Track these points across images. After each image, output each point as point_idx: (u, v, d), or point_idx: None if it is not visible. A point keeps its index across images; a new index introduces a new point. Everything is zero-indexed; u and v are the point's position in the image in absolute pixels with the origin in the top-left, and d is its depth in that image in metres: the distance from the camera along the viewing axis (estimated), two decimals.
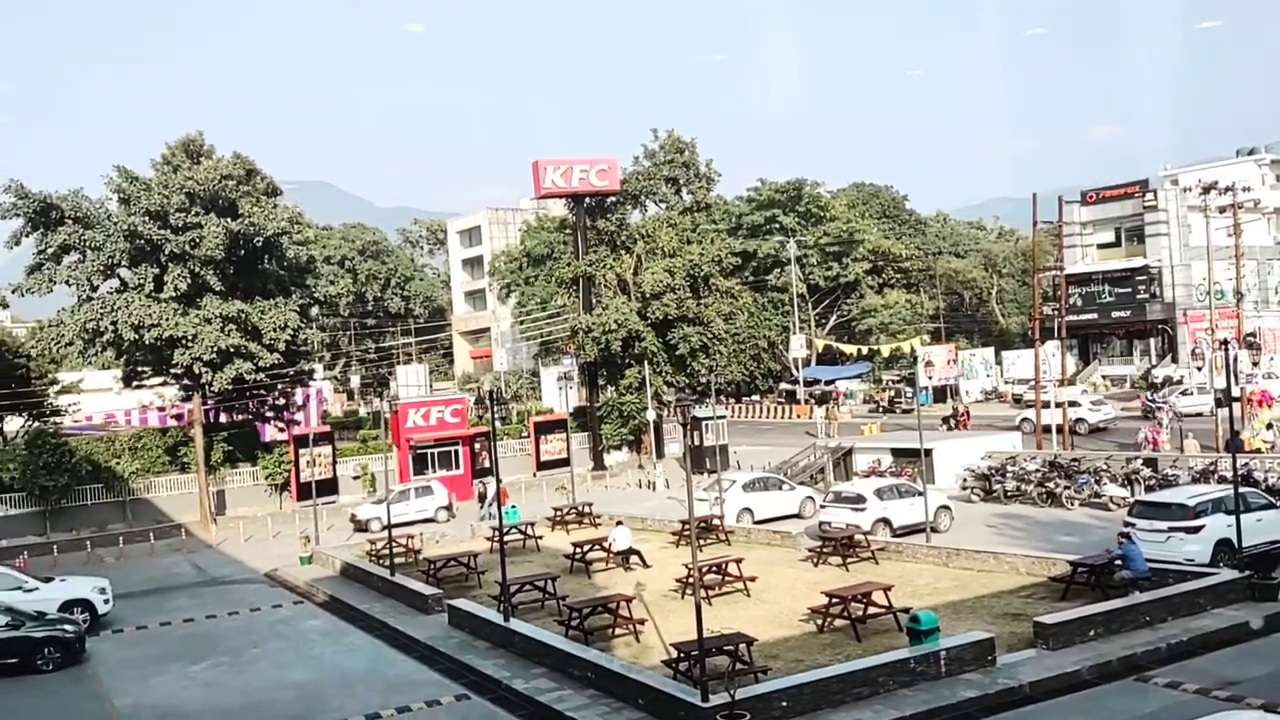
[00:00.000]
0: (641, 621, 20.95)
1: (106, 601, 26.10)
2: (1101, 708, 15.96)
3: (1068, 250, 67.56)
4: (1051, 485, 32.68)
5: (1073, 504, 31.81)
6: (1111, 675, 16.98)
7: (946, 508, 30.40)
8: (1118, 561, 20.70)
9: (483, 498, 38.92)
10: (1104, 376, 69.36)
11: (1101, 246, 72.78)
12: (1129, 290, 69.30)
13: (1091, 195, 72.64)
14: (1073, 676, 16.84)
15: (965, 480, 35.04)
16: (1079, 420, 47.90)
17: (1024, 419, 48.01)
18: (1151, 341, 70.21)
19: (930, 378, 66.60)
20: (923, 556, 25.71)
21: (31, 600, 24.04)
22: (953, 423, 53.11)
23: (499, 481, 36.61)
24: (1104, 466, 33.24)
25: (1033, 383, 48.83)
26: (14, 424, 50.41)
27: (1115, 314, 70.22)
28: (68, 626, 22.83)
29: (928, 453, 32.88)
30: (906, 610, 19.29)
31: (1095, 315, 70.88)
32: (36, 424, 47.55)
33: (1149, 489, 30.27)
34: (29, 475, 40.55)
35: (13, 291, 42.24)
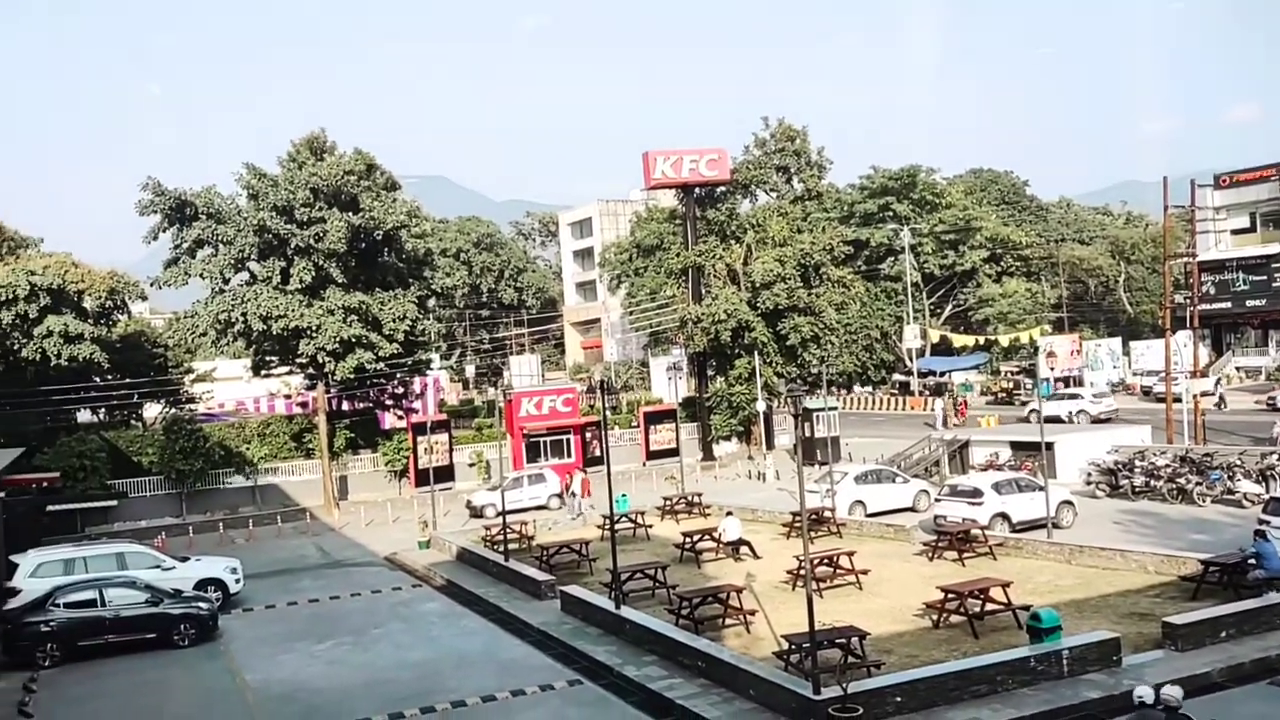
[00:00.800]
0: (752, 612, 20.93)
1: (238, 581, 27.30)
2: (1232, 712, 15.28)
3: (1200, 236, 64.42)
4: (1182, 481, 31.36)
5: (1204, 500, 30.48)
6: (1243, 678, 16.27)
7: (1069, 503, 29.45)
8: (1251, 560, 19.80)
9: (570, 490, 38.49)
10: (1238, 368, 66.14)
11: (1236, 232, 69.21)
12: (1265, 278, 65.80)
13: (1226, 179, 69.17)
14: (1202, 679, 16.17)
15: (1090, 475, 33.90)
16: (1080, 412, 46.35)
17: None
18: None
19: (1052, 369, 64.58)
20: (1044, 553, 24.97)
21: (169, 578, 25.23)
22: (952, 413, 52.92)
23: (583, 473, 37.05)
24: (1238, 462, 31.75)
25: (1162, 374, 46.86)
26: (153, 411, 53.12)
27: (1250, 303, 66.79)
28: (202, 604, 23.93)
29: (1049, 446, 31.88)
30: (1026, 608, 18.79)
31: (1229, 304, 67.55)
32: (173, 411, 50.04)
33: None
34: (166, 459, 42.71)
35: (151, 284, 44.39)
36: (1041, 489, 27.70)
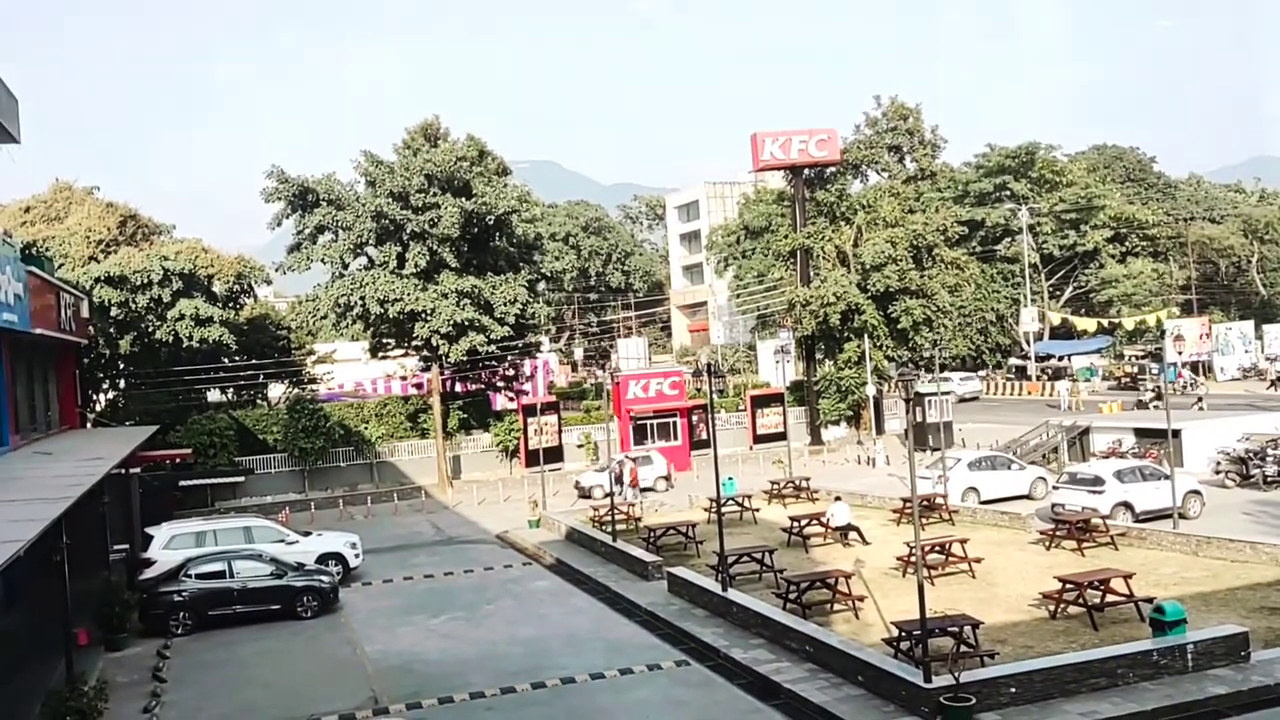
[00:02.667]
0: (861, 598, 20.73)
1: (357, 556, 28.24)
2: None
3: None
4: None
5: None
6: None
7: (1196, 492, 28.30)
8: None
9: (619, 479, 36.60)
10: None
11: None
12: None
13: None
14: None
15: (1219, 464, 32.52)
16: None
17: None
18: None
19: (1180, 353, 62.00)
20: (1168, 544, 24.07)
21: (292, 552, 26.23)
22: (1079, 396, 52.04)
23: (632, 461, 36.36)
24: None
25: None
26: (277, 391, 55.22)
27: None
28: (323, 577, 24.84)
29: (1175, 433, 30.63)
30: (1149, 600, 18.18)
31: None
32: (296, 391, 51.93)
33: None
34: (290, 437, 44.39)
35: (276, 269, 46.03)
36: (1167, 478, 26.69)
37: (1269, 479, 30.82)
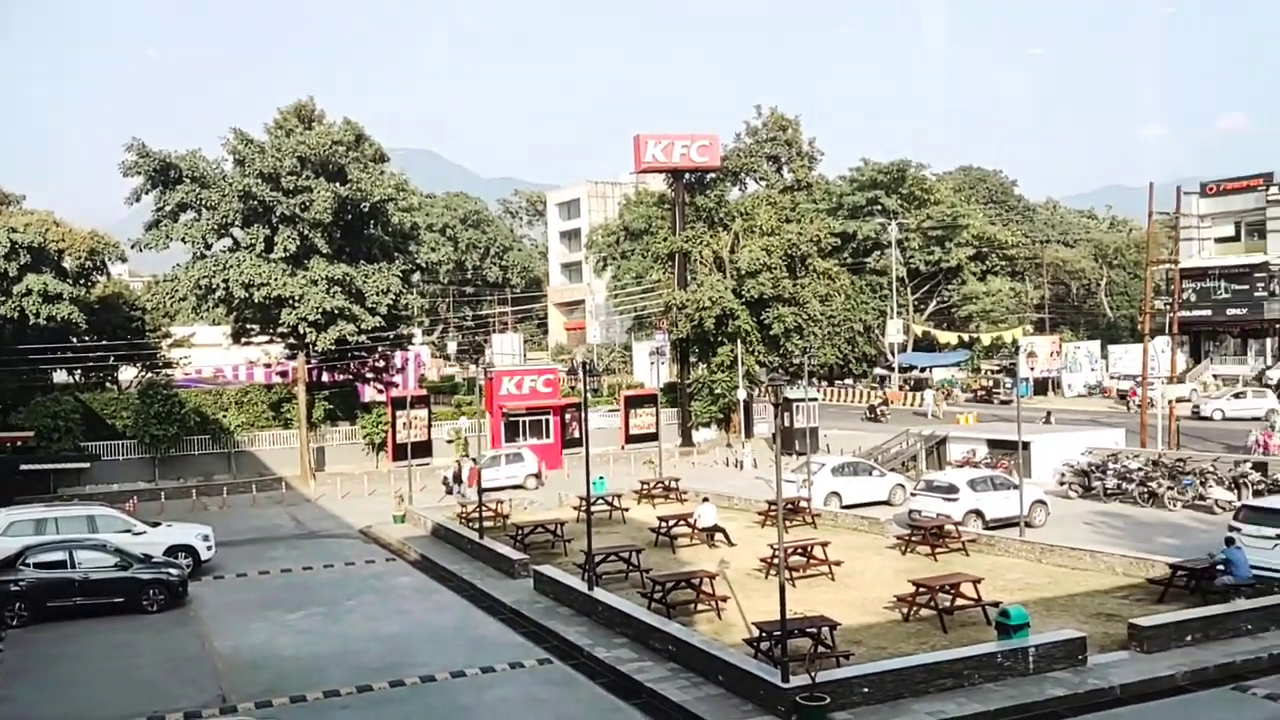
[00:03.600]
0: (724, 599, 21.02)
1: (209, 548, 27.17)
2: (1194, 715, 15.50)
3: (1184, 243, 64.92)
4: (1154, 485, 31.66)
5: (1175, 505, 30.78)
6: (1207, 683, 16.46)
7: (1043, 502, 29.70)
8: (1220, 566, 20.02)
9: (457, 478, 37.09)
10: (1215, 375, 66.71)
11: (1220, 241, 69.69)
12: (1246, 287, 66.29)
13: (1212, 187, 69.58)
14: (1166, 681, 16.37)
15: (1064, 475, 34.18)
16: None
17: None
18: (1268, 342, 67.17)
19: (1032, 369, 65.02)
20: (1015, 551, 25.17)
21: (139, 543, 25.10)
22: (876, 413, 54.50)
23: (472, 461, 35.64)
24: (1210, 468, 32.08)
25: (1139, 379, 47.24)
26: (128, 374, 52.73)
27: (1230, 311, 67.31)
28: (172, 570, 23.83)
29: (1025, 445, 32.08)
30: (996, 604, 18.94)
31: (1209, 312, 68.09)
32: (149, 375, 49.69)
33: (1258, 493, 29.15)
34: (141, 424, 42.39)
35: (132, 246, 43.96)
36: (1016, 487, 27.91)
37: (1109, 491, 32.55)
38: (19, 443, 36.93)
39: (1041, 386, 66.31)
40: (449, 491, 37.15)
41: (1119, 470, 33.24)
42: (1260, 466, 31.73)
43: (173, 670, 18.84)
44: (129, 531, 25.81)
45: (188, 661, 19.35)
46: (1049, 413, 52.38)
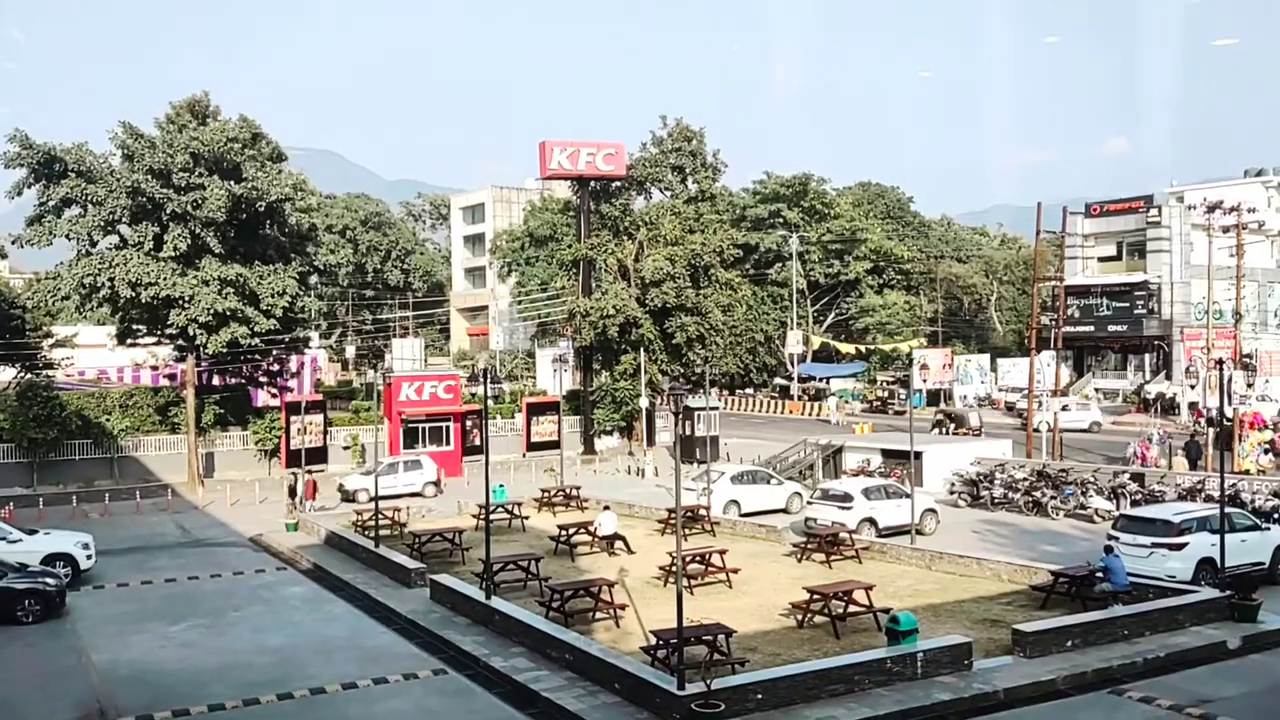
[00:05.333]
0: (623, 607, 21.00)
1: (89, 557, 26.11)
2: (1074, 718, 16.04)
3: (1069, 261, 67.59)
4: (1038, 495, 32.75)
5: (1058, 514, 31.89)
6: (1086, 686, 17.06)
7: (933, 511, 30.48)
8: (1099, 574, 20.77)
9: (292, 491, 35.61)
10: (1097, 389, 69.47)
11: (1103, 260, 72.78)
12: (1127, 305, 69.30)
13: (1096, 208, 72.59)
14: (1047, 685, 16.92)
15: (953, 485, 35.11)
16: None
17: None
18: (1146, 357, 70.25)
19: (925, 380, 66.76)
20: (906, 558, 25.77)
21: (14, 552, 24.05)
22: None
23: (309, 474, 35.53)
24: (1091, 479, 33.28)
25: (1026, 391, 48.90)
26: (6, 375, 50.33)
27: (1112, 328, 70.24)
28: (49, 580, 22.80)
29: (917, 455, 32.93)
30: (886, 610, 19.35)
31: (1092, 328, 70.94)
32: (29, 376, 47.47)
33: (1135, 503, 30.34)
34: (18, 426, 40.51)
35: (12, 242, 42.04)
36: (908, 496, 28.59)
37: (996, 500, 33.57)
38: None
39: (934, 398, 68.11)
40: (291, 509, 34.89)
41: (1005, 480, 34.28)
42: (1138, 477, 33.08)
43: (47, 685, 18.01)
44: (3, 539, 24.76)
45: (63, 675, 18.53)
46: (939, 422, 53.80)
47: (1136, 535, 23.33)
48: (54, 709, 16.62)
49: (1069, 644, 18.31)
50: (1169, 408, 58.80)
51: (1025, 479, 34.06)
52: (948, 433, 53.20)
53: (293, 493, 35.37)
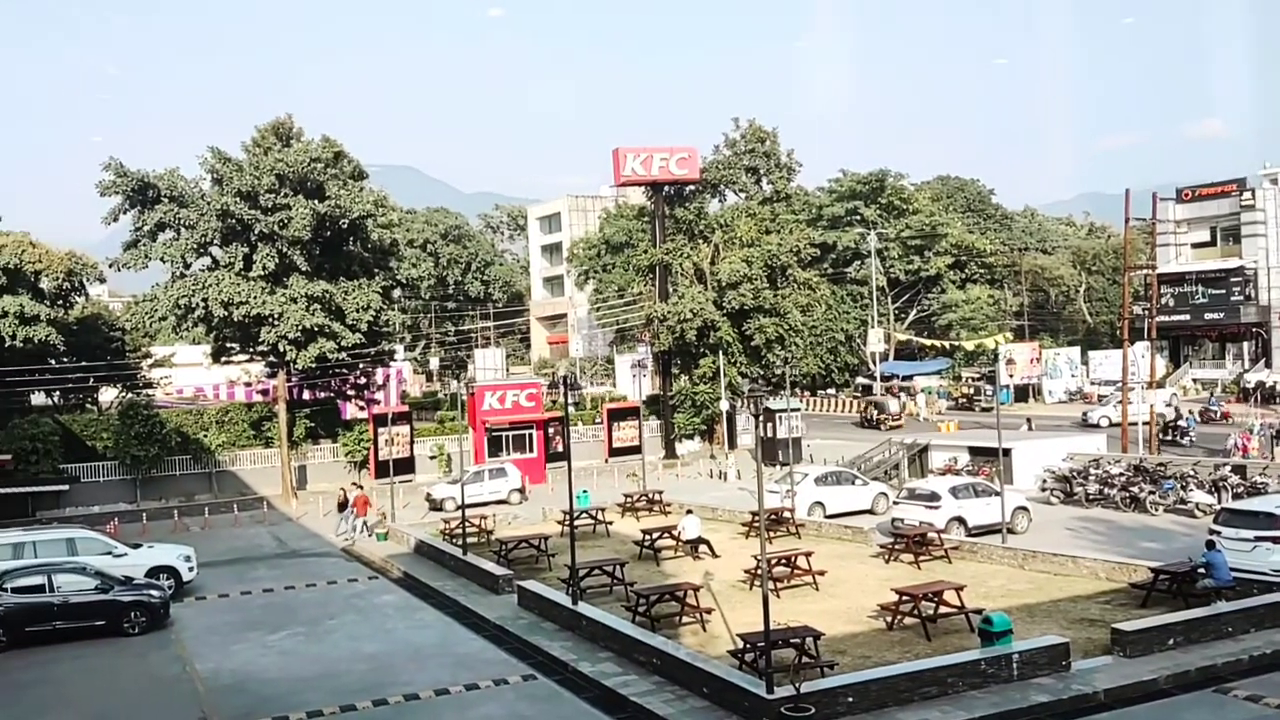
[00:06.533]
0: (708, 611, 20.98)
1: (191, 569, 26.96)
2: (1177, 718, 15.55)
3: (1161, 249, 65.50)
4: (1135, 490, 31.83)
5: (1157, 510, 30.95)
6: (1189, 685, 16.54)
7: (1024, 509, 29.81)
8: (1201, 570, 20.13)
9: (341, 505, 35.03)
10: (1194, 380, 67.24)
11: (1196, 246, 70.45)
12: (1223, 292, 67.00)
13: (1187, 193, 70.31)
14: (1149, 685, 16.44)
15: (1045, 482, 34.32)
16: None
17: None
18: (1245, 345, 67.81)
19: (1011, 376, 65.35)
20: (998, 557, 25.25)
21: (120, 565, 24.87)
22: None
23: (359, 488, 35.17)
24: (1191, 472, 32.29)
25: (1119, 384, 47.56)
26: (109, 395, 52.34)
27: (1208, 316, 67.96)
28: (154, 592, 23.60)
29: (1006, 452, 32.23)
30: (979, 611, 18.99)
31: (1187, 316, 68.71)
32: (130, 395, 49.32)
33: (1237, 496, 29.34)
34: (121, 444, 42.08)
35: (110, 266, 43.69)
36: (997, 494, 28.01)
37: (1090, 496, 32.71)
38: None
39: (1022, 393, 66.60)
40: (339, 528, 34.40)
41: (1100, 476, 33.40)
42: (1239, 470, 31.97)
43: (153, 694, 18.67)
44: (109, 553, 25.55)
45: (169, 684, 19.17)
46: (1029, 419, 52.62)
47: (1239, 529, 22.54)
48: (164, 717, 17.20)
49: (1171, 642, 17.75)
50: (1269, 397, 56.64)
51: (1121, 474, 33.14)
52: (874, 424, 55.68)
53: (342, 507, 34.98)
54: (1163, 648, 17.63)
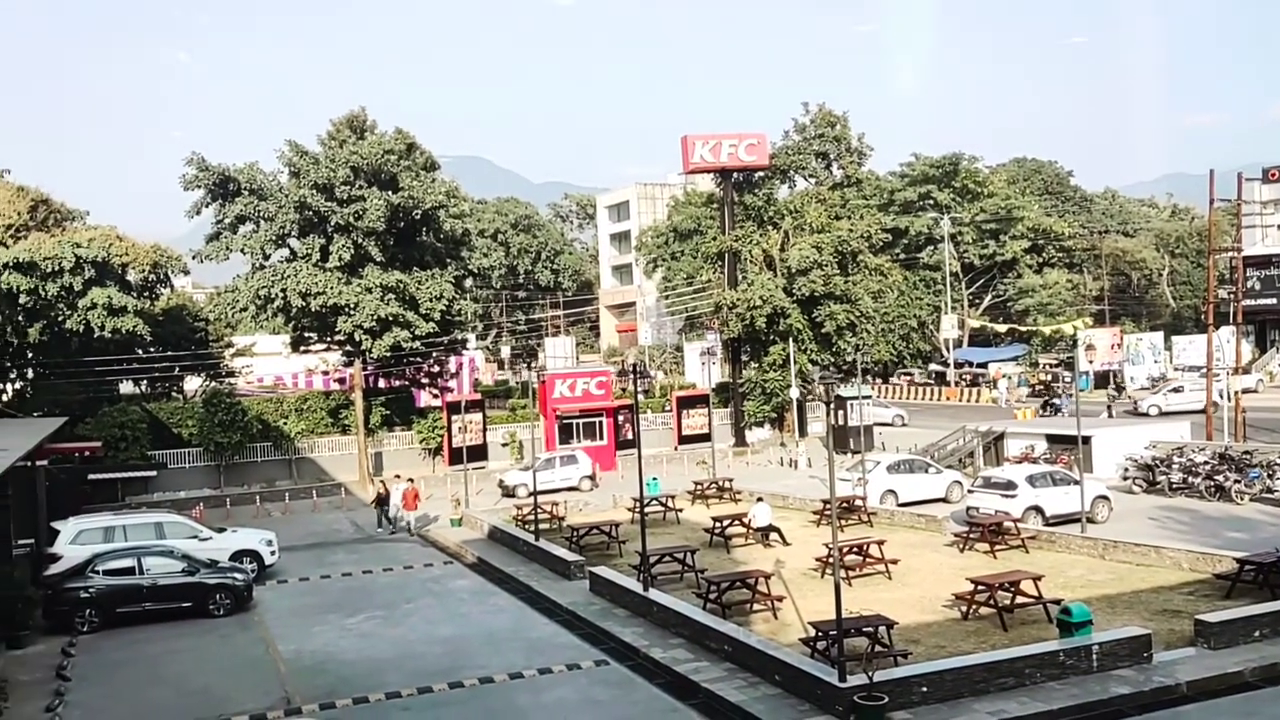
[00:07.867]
0: (780, 598, 20.95)
1: (273, 553, 27.71)
2: (1263, 712, 15.14)
3: (1246, 231, 63.07)
4: (1220, 478, 30.95)
5: (1242, 499, 30.07)
6: (1276, 679, 16.09)
7: (1105, 498, 29.15)
8: None
9: (380, 500, 34.11)
10: None
11: None
12: None
13: (1274, 172, 67.76)
14: (1234, 678, 16.03)
15: (1126, 470, 33.54)
16: None
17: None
18: None
19: (1091, 362, 63.83)
20: (1077, 547, 24.77)
21: (205, 549, 25.64)
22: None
23: (410, 481, 34.33)
24: (1278, 460, 31.26)
25: (1204, 370, 46.18)
26: (193, 384, 53.86)
27: None
28: (237, 575, 24.33)
29: (1086, 440, 31.54)
30: (1057, 602, 18.67)
31: (1275, 300, 66.38)
32: (213, 384, 50.71)
33: None
34: (206, 432, 43.34)
35: (193, 258, 44.91)
36: (1076, 483, 27.46)
37: (1174, 485, 31.88)
38: (87, 453, 37.84)
39: (1103, 380, 65.05)
40: (380, 523, 33.81)
41: (1184, 464, 32.55)
42: None
43: (238, 673, 19.24)
44: (195, 537, 26.31)
45: (252, 665, 19.75)
46: (1109, 406, 51.40)
47: None
48: (246, 697, 17.71)
49: (1257, 634, 17.28)
50: None
51: (1206, 462, 32.25)
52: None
53: (380, 501, 34.18)
54: (1248, 640, 17.16)
